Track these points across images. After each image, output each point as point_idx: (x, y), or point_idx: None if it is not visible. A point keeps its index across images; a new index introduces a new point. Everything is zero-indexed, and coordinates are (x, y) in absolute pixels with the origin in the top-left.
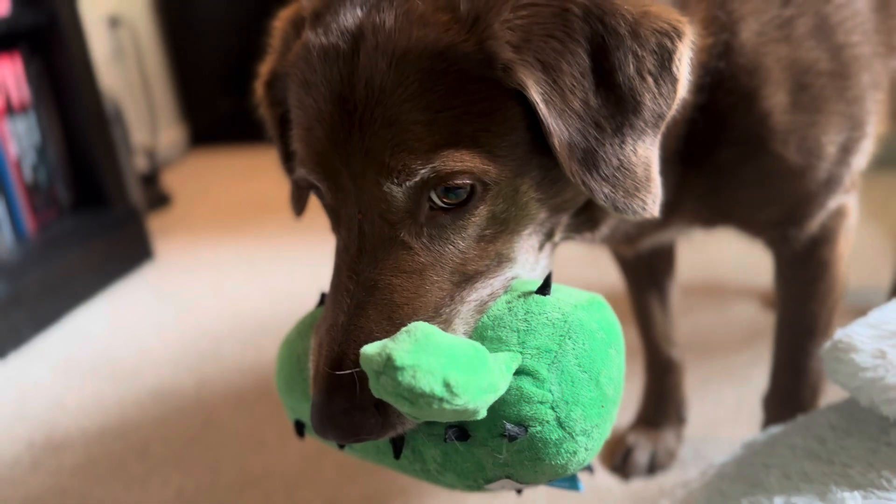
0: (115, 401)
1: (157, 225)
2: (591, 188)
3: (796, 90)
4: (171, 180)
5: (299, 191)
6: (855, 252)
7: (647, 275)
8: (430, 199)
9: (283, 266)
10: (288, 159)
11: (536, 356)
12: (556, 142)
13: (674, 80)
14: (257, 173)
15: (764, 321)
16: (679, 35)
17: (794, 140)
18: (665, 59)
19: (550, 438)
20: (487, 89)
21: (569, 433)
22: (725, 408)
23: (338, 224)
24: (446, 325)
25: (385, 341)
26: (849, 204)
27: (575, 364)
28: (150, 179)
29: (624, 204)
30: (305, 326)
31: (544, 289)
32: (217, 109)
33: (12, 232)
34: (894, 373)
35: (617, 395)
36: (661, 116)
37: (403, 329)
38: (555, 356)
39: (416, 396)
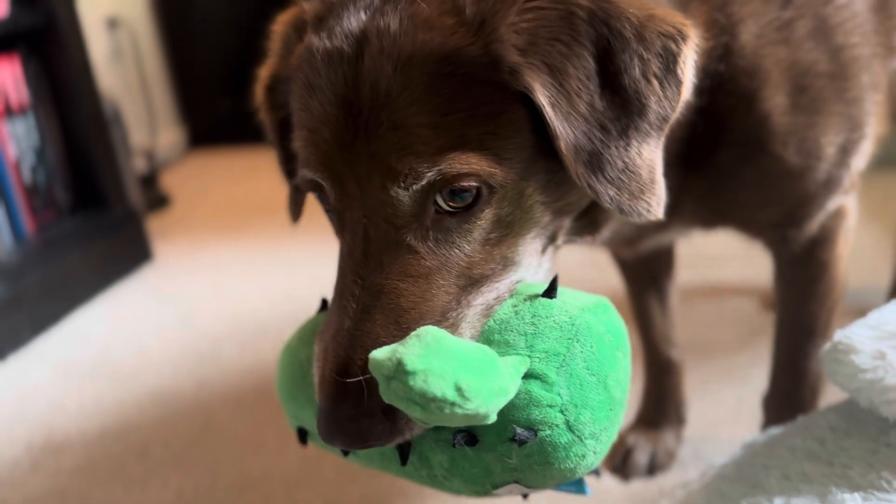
0: (114, 402)
1: (156, 226)
2: (596, 191)
3: (796, 91)
4: (170, 181)
5: (297, 195)
6: (854, 252)
7: (646, 276)
8: (436, 203)
9: (282, 267)
10: (287, 163)
11: (545, 359)
12: (562, 144)
13: (678, 83)
14: (256, 174)
15: (763, 321)
16: (684, 38)
17: (793, 141)
18: (670, 62)
19: (560, 442)
20: (493, 92)
21: (578, 436)
22: (725, 408)
23: (342, 228)
24: (453, 329)
25: (395, 346)
26: (848, 205)
27: (583, 367)
28: (149, 181)
29: (629, 206)
30: (307, 332)
31: (550, 292)
32: (216, 110)
33: (11, 234)
34: (894, 374)
35: (624, 397)
36: (665, 119)
37: (413, 333)
38: (563, 359)
39: (428, 401)
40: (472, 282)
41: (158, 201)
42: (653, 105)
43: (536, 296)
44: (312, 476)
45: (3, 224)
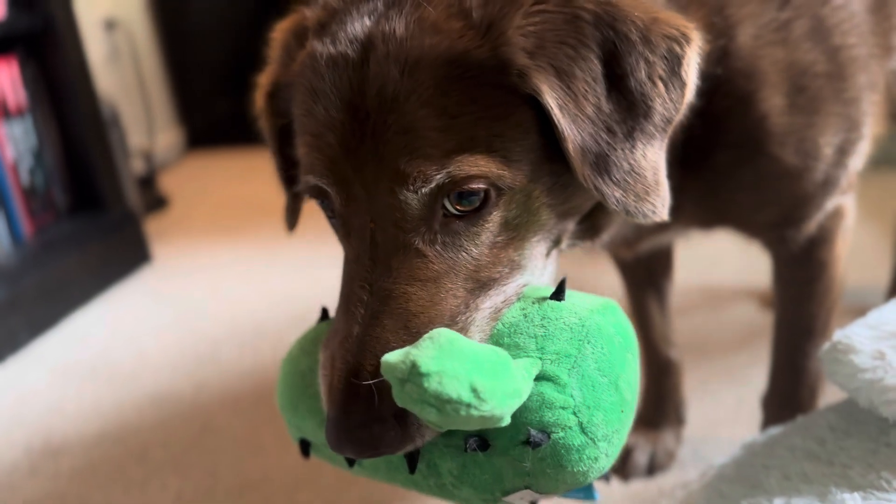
0: (113, 405)
1: (154, 228)
2: (602, 192)
3: (793, 92)
4: (169, 183)
5: (295, 203)
6: (852, 252)
7: (645, 276)
8: (444, 207)
9: (281, 268)
10: (286, 171)
11: (556, 361)
12: (569, 146)
13: (682, 85)
14: (255, 175)
15: (762, 321)
16: (688, 40)
17: (791, 142)
18: (675, 64)
19: (573, 444)
20: (501, 94)
21: (591, 439)
22: (724, 408)
23: (348, 234)
24: (462, 332)
25: (408, 348)
26: (846, 205)
27: (595, 368)
28: (148, 182)
29: (635, 208)
30: (308, 342)
31: (559, 294)
32: (214, 111)
33: (9, 236)
34: (893, 374)
35: (634, 399)
36: (669, 121)
37: (426, 336)
38: (574, 361)
39: (444, 403)
40: (480, 285)
41: (157, 203)
42: (658, 107)
43: (545, 298)
44: (312, 478)
45: (1, 226)
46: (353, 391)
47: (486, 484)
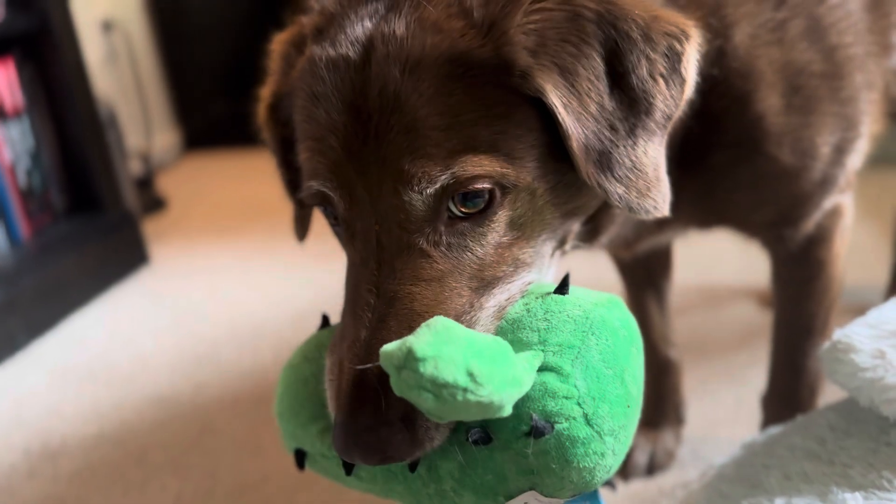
0: (111, 407)
1: (152, 229)
2: (606, 190)
3: (790, 92)
4: (166, 184)
5: (303, 213)
6: (850, 250)
7: (644, 276)
8: (449, 209)
9: (279, 269)
10: (291, 182)
11: (559, 352)
12: (574, 144)
13: (683, 82)
14: (252, 176)
15: (761, 320)
16: (687, 37)
17: (788, 141)
18: (675, 61)
19: (578, 436)
20: (503, 93)
21: (597, 432)
22: (724, 408)
23: (352, 237)
24: None
25: (405, 338)
26: (844, 203)
27: (599, 360)
28: (145, 183)
29: (637, 204)
30: (312, 349)
31: (562, 289)
32: (211, 113)
33: (7, 237)
34: (894, 373)
35: (640, 395)
36: (669, 117)
37: (423, 323)
38: (578, 352)
39: (440, 387)
40: (485, 284)
41: (154, 204)
42: (659, 104)
43: (548, 293)
44: (311, 480)
45: None
46: (361, 395)
47: (489, 485)
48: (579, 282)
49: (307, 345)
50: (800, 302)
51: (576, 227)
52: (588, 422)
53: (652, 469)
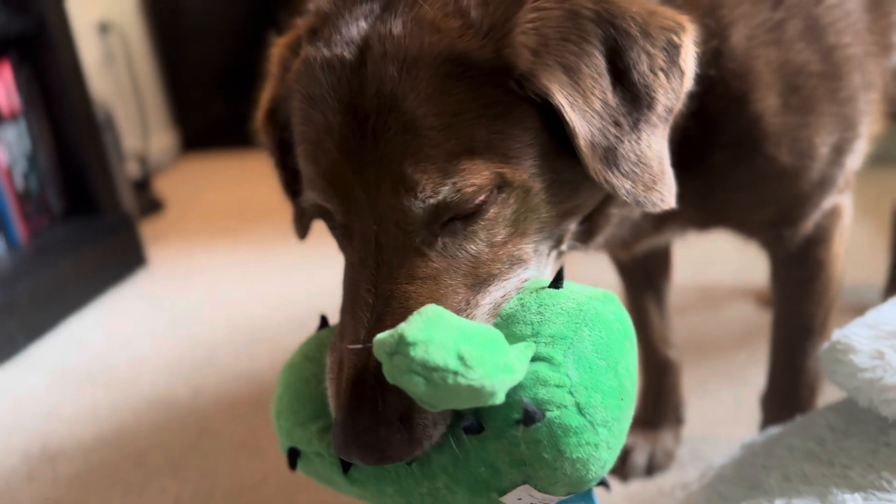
0: (110, 409)
1: (149, 231)
2: (613, 185)
3: (787, 92)
4: (164, 186)
5: (302, 215)
6: (849, 250)
7: (643, 277)
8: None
9: (277, 271)
10: (291, 183)
11: (551, 343)
12: (581, 142)
13: (682, 74)
14: (250, 178)
15: (759, 320)
16: (684, 30)
17: (786, 141)
18: (674, 55)
19: (570, 425)
20: (502, 93)
21: (589, 421)
22: (723, 408)
23: (350, 238)
24: None
25: (398, 325)
26: (843, 203)
27: (592, 350)
28: (142, 185)
29: (644, 198)
30: (312, 349)
31: (557, 283)
32: (209, 114)
33: (4, 240)
34: (893, 373)
35: (633, 389)
36: (671, 110)
37: (415, 312)
38: (571, 342)
39: (430, 371)
40: (481, 281)
41: (152, 206)
42: (660, 97)
43: (543, 287)
44: (310, 481)
45: None
46: (360, 395)
47: (482, 480)
48: (579, 282)
49: (308, 344)
50: (799, 302)
51: (572, 226)
52: (580, 411)
53: (651, 469)
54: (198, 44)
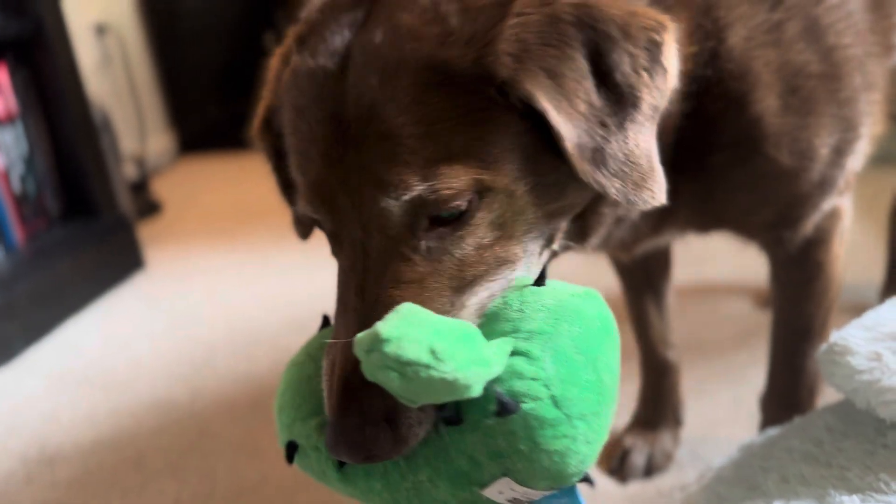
0: (108, 412)
1: (147, 233)
2: (602, 185)
3: (787, 93)
4: (161, 188)
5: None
6: (846, 249)
7: (643, 278)
8: (429, 217)
9: (275, 272)
10: (288, 189)
11: (530, 338)
12: (568, 145)
13: (665, 71)
14: (247, 179)
15: (757, 320)
16: (664, 28)
17: (786, 143)
18: (655, 53)
19: (546, 417)
20: (481, 100)
21: (565, 414)
22: (722, 408)
23: (340, 245)
24: None
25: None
26: (843, 205)
27: (571, 345)
28: (140, 187)
29: (635, 196)
30: (314, 348)
31: (540, 281)
32: (206, 116)
33: (1, 243)
34: (890, 375)
35: (614, 386)
36: (656, 108)
37: (392, 310)
38: (549, 337)
39: (404, 365)
40: (466, 283)
41: (149, 208)
42: (645, 96)
43: (526, 286)
44: (308, 481)
45: None
46: (349, 395)
47: (463, 473)
48: (579, 283)
49: (311, 343)
50: (798, 303)
51: (563, 225)
52: (556, 404)
53: (650, 471)
54: (195, 45)
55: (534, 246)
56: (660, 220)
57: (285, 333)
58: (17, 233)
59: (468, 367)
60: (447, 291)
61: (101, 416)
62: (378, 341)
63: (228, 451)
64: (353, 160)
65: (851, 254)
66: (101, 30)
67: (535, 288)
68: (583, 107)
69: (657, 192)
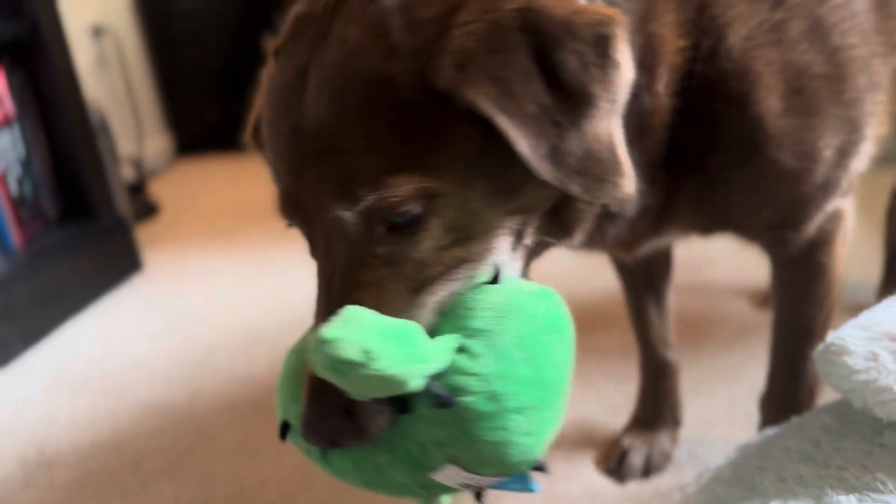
0: (107, 414)
1: (145, 235)
2: (562, 182)
3: (790, 94)
4: (159, 190)
5: None
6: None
7: (644, 279)
8: (383, 223)
9: (273, 273)
10: None
11: (474, 335)
12: (522, 148)
13: (616, 65)
14: (245, 181)
15: (755, 320)
16: (611, 22)
17: (789, 144)
18: (604, 48)
19: (482, 411)
20: (427, 111)
21: (502, 408)
22: (719, 408)
23: (315, 251)
24: None
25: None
26: (846, 206)
27: (512, 343)
28: (137, 189)
29: (598, 191)
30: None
31: (495, 280)
32: (203, 117)
33: None
34: (887, 375)
35: (560, 381)
36: (613, 101)
37: (337, 313)
38: (491, 335)
39: (340, 364)
40: (424, 283)
41: (147, 210)
42: (597, 91)
43: (482, 284)
44: (308, 483)
45: None
46: (316, 389)
47: (414, 458)
48: (578, 283)
49: (310, 331)
50: (800, 305)
51: (533, 221)
52: (492, 398)
53: (648, 471)
54: (192, 47)
55: (501, 243)
56: (660, 218)
57: (284, 334)
58: (14, 235)
59: (402, 364)
60: (405, 292)
61: (100, 418)
62: (320, 342)
63: (228, 453)
64: (313, 172)
65: (849, 253)
66: (97, 31)
67: (489, 286)
68: (533, 108)
69: (622, 185)
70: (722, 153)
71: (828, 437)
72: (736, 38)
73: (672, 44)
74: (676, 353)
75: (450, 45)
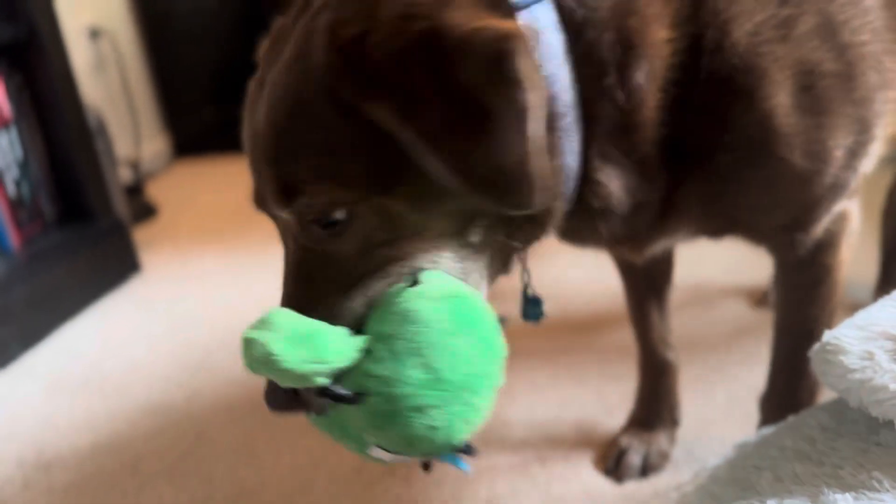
0: (105, 416)
1: (143, 237)
2: (470, 192)
3: (799, 91)
4: (157, 191)
5: None
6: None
7: (645, 279)
8: (315, 223)
9: (271, 274)
10: None
11: (379, 339)
12: (428, 161)
13: (518, 80)
14: (243, 182)
15: (752, 320)
16: (510, 38)
17: (798, 144)
18: (503, 63)
19: (380, 409)
20: (342, 124)
21: (399, 408)
22: (717, 408)
23: (281, 240)
24: (337, 321)
25: None
26: (851, 208)
27: (409, 347)
28: (135, 191)
29: (509, 202)
30: None
31: (414, 283)
32: (201, 119)
33: None
34: (882, 374)
35: (463, 381)
36: (522, 111)
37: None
38: (391, 339)
39: (255, 361)
40: (354, 280)
41: (145, 211)
42: (499, 105)
43: (402, 287)
44: (307, 485)
45: None
46: None
47: (354, 437)
48: (578, 283)
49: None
50: (804, 306)
51: (478, 222)
52: (389, 400)
53: (646, 470)
54: (189, 49)
55: (439, 243)
56: (664, 217)
57: None
58: (12, 237)
59: (302, 364)
60: (336, 288)
61: (98, 421)
62: (243, 341)
63: (226, 455)
64: (260, 176)
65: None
66: (94, 33)
67: (403, 289)
68: (435, 123)
69: (527, 198)
70: (729, 152)
71: (824, 435)
72: (741, 33)
73: (655, 35)
74: (676, 354)
75: (359, 65)
